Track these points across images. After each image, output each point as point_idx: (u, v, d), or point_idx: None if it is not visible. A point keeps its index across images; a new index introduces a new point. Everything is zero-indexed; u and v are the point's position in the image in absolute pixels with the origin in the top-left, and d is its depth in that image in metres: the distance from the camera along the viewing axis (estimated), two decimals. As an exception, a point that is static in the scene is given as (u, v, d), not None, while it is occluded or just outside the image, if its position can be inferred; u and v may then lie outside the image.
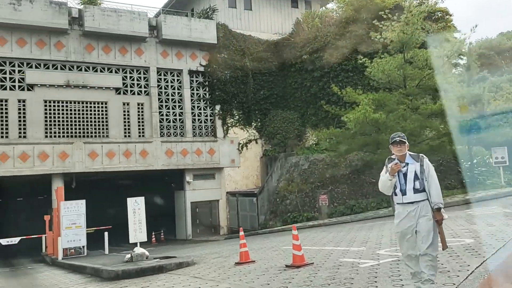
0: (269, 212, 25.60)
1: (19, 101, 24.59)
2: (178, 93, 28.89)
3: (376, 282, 7.29)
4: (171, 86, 28.77)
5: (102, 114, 26.58)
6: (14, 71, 24.52)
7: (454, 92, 22.24)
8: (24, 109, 24.69)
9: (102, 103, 26.61)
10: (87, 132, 26.08)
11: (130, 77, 27.50)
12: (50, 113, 25.24)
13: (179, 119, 28.78)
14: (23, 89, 24.72)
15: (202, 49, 29.36)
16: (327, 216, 22.18)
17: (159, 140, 27.73)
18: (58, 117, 25.48)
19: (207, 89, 29.64)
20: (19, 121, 24.48)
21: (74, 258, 18.71)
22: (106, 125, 26.63)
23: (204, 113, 29.52)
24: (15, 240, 21.97)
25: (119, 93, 27.10)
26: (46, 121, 25.11)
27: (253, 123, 30.41)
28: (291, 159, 26.47)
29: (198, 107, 29.39)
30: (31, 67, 24.87)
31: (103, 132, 26.50)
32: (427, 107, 20.49)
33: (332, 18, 30.27)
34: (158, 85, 28.19)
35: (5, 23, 23.80)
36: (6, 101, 24.28)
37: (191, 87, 29.14)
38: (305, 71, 29.04)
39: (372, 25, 24.34)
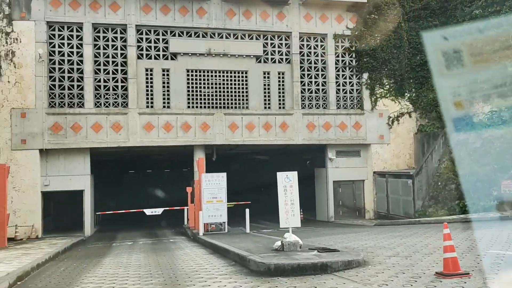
0: (428, 198, 21.21)
1: (163, 70, 23.67)
2: (322, 60, 25.58)
3: None
4: (314, 52, 25.55)
5: (242, 84, 24.58)
6: (158, 39, 23.58)
7: None
8: (167, 78, 23.73)
9: (242, 72, 24.58)
10: (227, 103, 24.31)
11: (271, 44, 24.95)
12: (192, 83, 23.96)
13: (322, 90, 25.55)
14: (166, 58, 23.72)
15: (349, 10, 25.50)
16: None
17: (300, 112, 24.91)
18: (200, 87, 24.09)
19: (353, 55, 25.80)
20: (163, 91, 23.60)
21: (215, 235, 16.93)
22: (246, 96, 24.58)
23: (349, 82, 25.83)
24: (158, 210, 21.24)
25: (260, 62, 24.77)
26: (188, 91, 23.89)
27: (406, 94, 25.83)
28: (457, 136, 21.56)
29: (343, 75, 25.78)
30: (174, 35, 23.71)
31: (243, 103, 24.52)
32: None
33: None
34: (300, 52, 25.19)
35: (150, -8, 22.92)
36: (151, 70, 23.53)
37: (336, 53, 25.59)
38: (475, 30, 23.45)
39: None
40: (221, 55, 24.10)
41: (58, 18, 22.28)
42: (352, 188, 25.94)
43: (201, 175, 18.47)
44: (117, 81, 23.03)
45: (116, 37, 23.10)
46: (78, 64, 22.58)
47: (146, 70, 23.41)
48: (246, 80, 24.56)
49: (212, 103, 24.07)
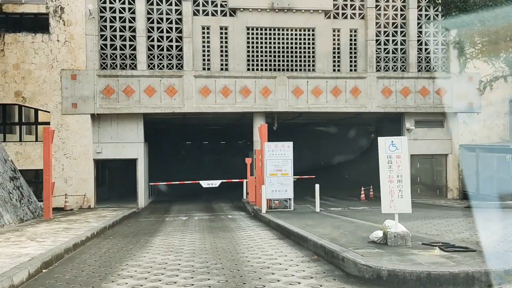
0: (533, 176, 17.21)
1: (220, 28, 20.75)
2: (401, 15, 21.54)
3: None
4: (393, 6, 21.54)
5: (309, 44, 21.19)
6: (216, -7, 20.67)
7: None
8: (226, 37, 20.81)
9: (308, 30, 21.16)
10: (291, 66, 21.10)
11: (342, -3, 21.28)
12: (252, 43, 20.92)
13: (401, 50, 21.61)
14: (225, 15, 20.73)
15: (437, -46, 21.22)
16: None
17: (374, 75, 21.24)
18: (261, 48, 20.99)
19: (439, 9, 21.55)
20: (221, 51, 20.75)
21: (280, 214, 14.14)
22: (313, 57, 21.20)
23: (434, 41, 21.67)
24: (215, 183, 18.81)
25: (329, 17, 21.19)
26: (248, 52, 20.88)
27: (501, 55, 21.33)
28: None
29: (426, 33, 21.65)
30: (233, -12, 20.66)
31: (309, 66, 21.19)
32: None
33: None
34: (376, 6, 21.30)
35: None
36: (208, 28, 20.70)
37: (418, 6, 21.43)
38: None
39: None
40: (285, 10, 20.76)
41: (108, -29, 19.85)
42: (432, 164, 22.15)
43: (264, 144, 15.65)
44: (171, 41, 20.42)
45: (170, -8, 20.38)
46: (130, 21, 20.14)
47: (203, 28, 20.60)
48: (313, 39, 21.14)
49: (274, 65, 20.94)
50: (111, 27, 19.99)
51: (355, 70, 21.32)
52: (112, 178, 25.45)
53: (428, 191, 21.86)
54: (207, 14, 20.50)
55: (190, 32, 20.27)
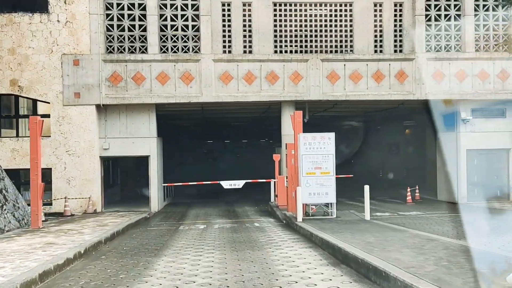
0: None
1: (243, 4, 17.50)
2: (455, -15, 17.93)
3: None
4: (445, -25, 17.96)
5: (345, 21, 17.75)
6: (237, -36, 17.45)
7: None
8: (249, 15, 17.57)
9: (345, 5, 17.72)
10: (326, 46, 17.72)
11: (385, -34, 17.76)
12: (280, 20, 17.60)
13: (455, 26, 17.93)
14: (248, -12, 17.57)
15: None
16: None
17: (424, 56, 17.66)
18: (290, 26, 17.68)
19: (502, -23, 17.85)
20: (244, 31, 17.51)
21: (322, 223, 10.82)
22: (350, 36, 17.77)
23: (493, 16, 17.95)
24: (239, 183, 15.66)
25: (369, -10, 17.75)
26: (275, 31, 17.59)
27: None
28: None
29: (485, 6, 17.93)
30: (257, -43, 17.41)
31: (346, 46, 17.77)
32: None
33: None
34: (426, -25, 17.77)
35: None
36: (228, 4, 17.49)
37: (476, -26, 17.81)
38: None
39: None
40: (319, -18, 17.42)
41: None
42: (491, 160, 18.44)
43: (299, 135, 12.36)
44: (186, 20, 17.29)
45: (185, -36, 17.28)
46: (139, -2, 17.14)
47: (223, 4, 17.41)
48: (350, 15, 17.70)
49: (306, 46, 17.60)
50: (118, 5, 16.99)
51: (400, 51, 17.78)
52: (125, 178, 22.57)
53: (489, 192, 18.13)
54: (227, -12, 17.33)
55: (208, 9, 17.11)
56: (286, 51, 17.48)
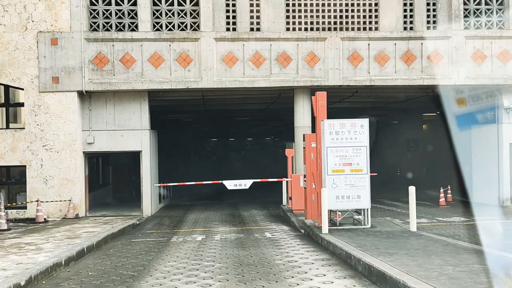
0: None
1: (250, -27, 14.69)
2: (500, -50, 14.95)
3: None
4: None
5: (370, -7, 14.86)
6: None
7: None
8: (256, -14, 14.72)
9: (369, -25, 14.83)
10: (346, 22, 14.81)
11: None
12: (292, -7, 14.74)
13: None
14: (255, -47, 14.67)
15: None
16: None
17: (461, 34, 14.68)
18: (305, -1, 14.80)
19: None
20: (251, 5, 14.58)
21: (357, 237, 7.89)
22: (375, 10, 14.79)
23: (545, -15, 14.97)
24: (245, 183, 12.78)
25: (397, -44, 14.80)
26: (287, 4, 14.65)
27: None
28: None
29: (534, -26, 14.97)
30: None
31: (370, 22, 14.82)
32: None
33: None
34: None
35: None
36: (232, -27, 14.65)
37: None
38: None
39: None
40: None
41: None
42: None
43: (323, 122, 9.45)
44: (184, -8, 14.45)
45: None
46: (128, -33, 14.28)
47: (226, -26, 14.55)
48: (375, -14, 14.78)
49: (323, 22, 14.67)
50: (103, -26, 14.17)
51: (434, 28, 14.80)
52: (118, 177, 19.74)
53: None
54: (231, -46, 14.43)
55: (209, -20, 14.25)
56: (300, 29, 14.55)
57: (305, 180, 11.04)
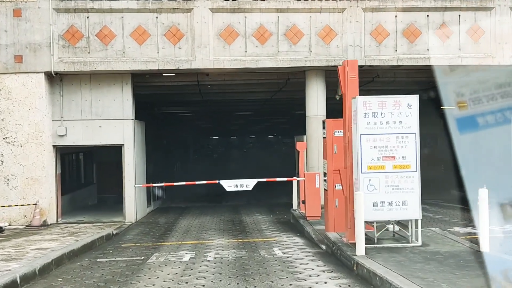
0: None
1: None
2: None
3: None
4: None
5: (396, -45, 12.09)
6: None
7: None
8: None
9: None
10: (369, -9, 12.06)
11: None
12: (304, -44, 11.99)
13: (551, -39, 12.23)
14: None
15: None
16: None
17: (506, 4, 11.97)
18: (319, -38, 12.03)
19: None
20: (254, -32, 11.92)
21: (412, 264, 5.13)
22: (404, -25, 12.07)
23: None
24: (247, 184, 9.99)
25: None
26: (298, -32, 11.97)
27: None
28: None
29: None
30: None
31: (397, -10, 12.08)
32: None
33: None
34: None
35: None
36: None
37: None
38: None
39: None
40: None
41: None
42: None
43: (354, 99, 6.68)
44: (173, -47, 11.71)
45: None
46: None
47: None
48: None
49: (341, -10, 11.93)
50: None
51: (474, -5, 12.06)
52: (104, 176, 17.00)
53: None
54: None
55: None
56: (313, -2, 11.81)
57: (325, 180, 8.30)
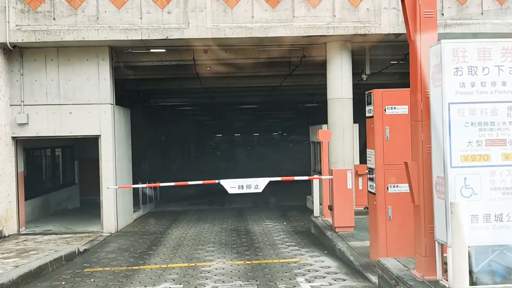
0: None
1: None
2: None
3: None
4: None
5: None
6: None
7: None
8: None
9: None
10: None
11: None
12: None
13: None
14: None
15: None
16: None
17: None
18: None
19: None
20: None
21: None
22: None
23: None
24: (256, 184, 7.33)
25: None
26: None
27: None
28: None
29: None
30: None
31: None
32: None
33: None
34: None
35: None
36: None
37: None
38: None
39: None
40: None
41: None
42: None
43: (434, 47, 4.01)
44: None
45: None
46: None
47: None
48: None
49: None
50: None
51: None
52: (88, 175, 14.30)
53: None
54: None
55: None
56: (337, -51, 9.09)
57: (370, 178, 5.59)
